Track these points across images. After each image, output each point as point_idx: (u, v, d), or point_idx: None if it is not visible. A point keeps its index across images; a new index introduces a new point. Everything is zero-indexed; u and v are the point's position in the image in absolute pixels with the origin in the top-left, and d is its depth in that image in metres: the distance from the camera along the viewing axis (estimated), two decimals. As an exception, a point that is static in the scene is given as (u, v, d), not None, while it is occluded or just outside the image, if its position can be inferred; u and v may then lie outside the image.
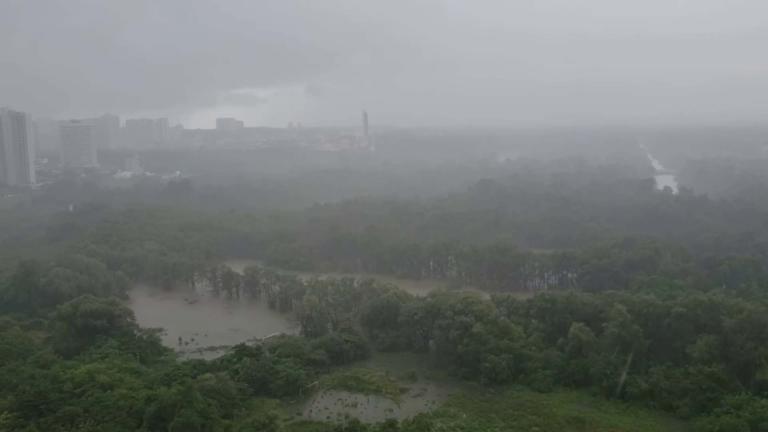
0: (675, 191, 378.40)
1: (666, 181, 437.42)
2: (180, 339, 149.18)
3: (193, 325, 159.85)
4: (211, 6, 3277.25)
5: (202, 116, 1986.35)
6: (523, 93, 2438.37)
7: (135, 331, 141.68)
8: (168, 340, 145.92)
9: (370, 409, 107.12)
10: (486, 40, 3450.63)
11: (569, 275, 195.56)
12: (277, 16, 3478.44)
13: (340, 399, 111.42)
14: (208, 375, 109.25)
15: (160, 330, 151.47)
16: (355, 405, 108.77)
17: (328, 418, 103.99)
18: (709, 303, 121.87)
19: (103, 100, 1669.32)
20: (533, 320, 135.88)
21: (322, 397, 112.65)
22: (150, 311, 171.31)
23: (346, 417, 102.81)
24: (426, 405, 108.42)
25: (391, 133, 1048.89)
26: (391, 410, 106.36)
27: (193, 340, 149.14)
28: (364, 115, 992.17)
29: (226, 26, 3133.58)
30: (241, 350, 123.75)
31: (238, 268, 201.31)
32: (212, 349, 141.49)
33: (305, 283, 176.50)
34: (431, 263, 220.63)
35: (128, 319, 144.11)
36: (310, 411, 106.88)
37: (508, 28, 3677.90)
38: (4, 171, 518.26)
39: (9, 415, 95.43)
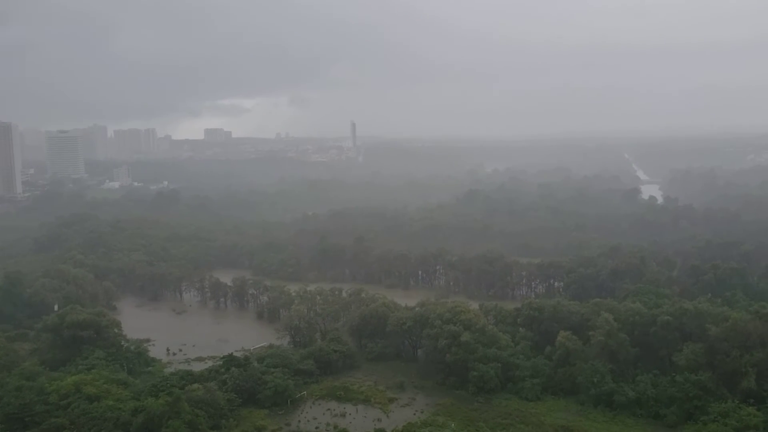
0: (660, 201, 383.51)
1: (651, 191, 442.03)
2: (168, 350, 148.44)
3: (181, 336, 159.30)
4: (197, 15, 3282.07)
5: (190, 127, 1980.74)
6: (509, 103, 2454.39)
7: (122, 342, 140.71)
8: (155, 351, 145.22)
9: (358, 419, 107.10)
10: (470, 49, 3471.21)
11: (556, 284, 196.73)
12: (263, 28, 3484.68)
13: (328, 409, 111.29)
14: (195, 386, 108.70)
15: (148, 341, 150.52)
16: (343, 415, 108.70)
17: (316, 428, 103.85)
18: (694, 311, 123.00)
19: (90, 111, 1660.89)
20: (521, 329, 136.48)
21: (311, 407, 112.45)
22: (137, 322, 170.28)
23: (335, 427, 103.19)
24: (415, 414, 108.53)
25: (379, 143, 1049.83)
26: (379, 420, 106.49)
27: (180, 350, 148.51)
28: (352, 125, 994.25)
29: (212, 36, 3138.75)
30: (229, 361, 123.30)
31: (226, 278, 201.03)
32: (200, 359, 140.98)
33: (293, 294, 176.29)
34: (419, 273, 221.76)
35: (115, 330, 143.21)
36: (299, 421, 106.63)
37: (493, 39, 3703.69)
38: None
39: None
